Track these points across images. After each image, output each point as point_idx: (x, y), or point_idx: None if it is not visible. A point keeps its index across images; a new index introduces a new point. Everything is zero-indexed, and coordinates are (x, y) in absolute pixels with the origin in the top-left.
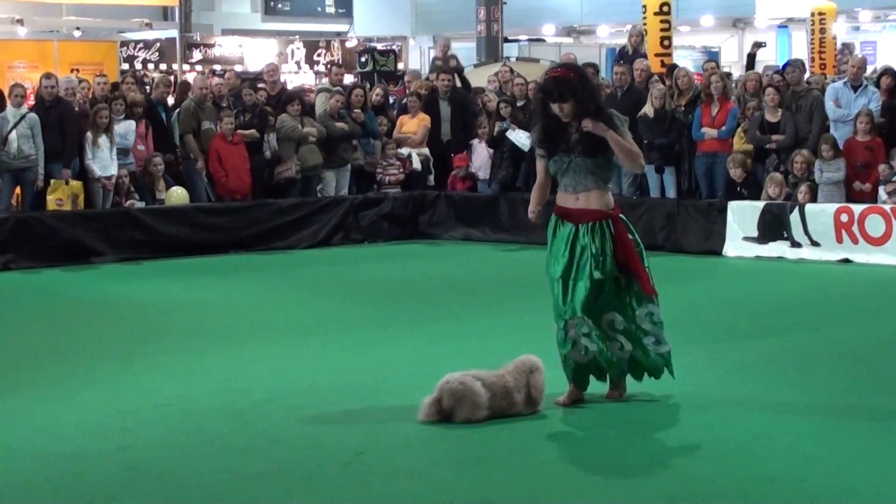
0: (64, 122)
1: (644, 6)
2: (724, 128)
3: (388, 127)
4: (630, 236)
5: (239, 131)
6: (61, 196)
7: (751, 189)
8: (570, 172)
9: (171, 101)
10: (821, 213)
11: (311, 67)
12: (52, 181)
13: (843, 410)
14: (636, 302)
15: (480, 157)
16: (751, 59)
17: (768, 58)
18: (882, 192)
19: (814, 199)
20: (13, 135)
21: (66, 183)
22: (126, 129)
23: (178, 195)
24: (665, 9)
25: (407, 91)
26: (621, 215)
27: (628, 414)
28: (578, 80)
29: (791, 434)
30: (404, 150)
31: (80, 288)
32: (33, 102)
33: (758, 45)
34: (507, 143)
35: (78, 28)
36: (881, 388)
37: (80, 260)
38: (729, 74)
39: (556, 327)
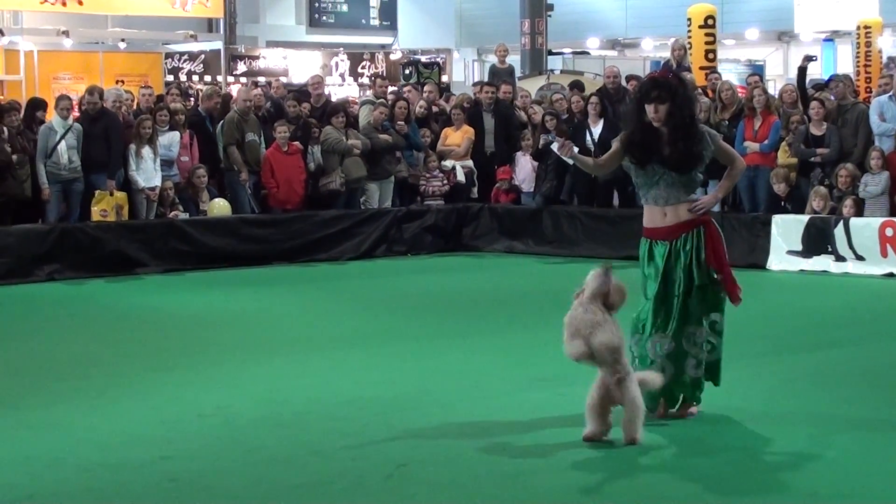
0: (109, 133)
1: (689, 19)
2: (766, 142)
3: (432, 139)
4: (722, 242)
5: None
6: (106, 207)
7: (795, 203)
8: (661, 185)
9: None
10: (865, 228)
11: (356, 80)
12: (96, 192)
13: (889, 425)
14: (696, 316)
15: (524, 169)
16: (801, 72)
17: (814, 71)
18: None
19: (858, 213)
20: (62, 146)
21: (111, 194)
22: (170, 140)
23: (219, 206)
24: (710, 22)
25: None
26: (712, 220)
27: (671, 429)
28: (678, 83)
29: (835, 449)
30: (448, 163)
31: (123, 299)
32: (78, 114)
33: (808, 58)
34: (552, 156)
35: (123, 40)
36: None
37: (123, 271)
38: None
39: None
